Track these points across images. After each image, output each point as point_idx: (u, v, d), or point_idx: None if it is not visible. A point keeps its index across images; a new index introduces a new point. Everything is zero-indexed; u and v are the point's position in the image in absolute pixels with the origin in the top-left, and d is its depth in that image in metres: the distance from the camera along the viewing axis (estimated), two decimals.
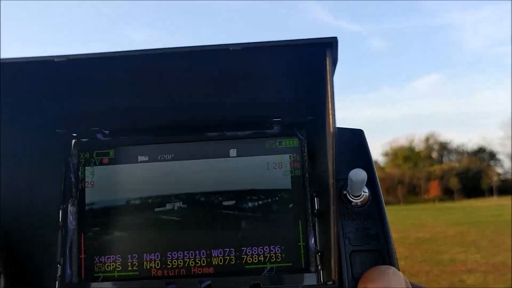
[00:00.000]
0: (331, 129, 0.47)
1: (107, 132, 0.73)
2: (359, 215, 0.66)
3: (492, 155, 46.73)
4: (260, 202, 0.69)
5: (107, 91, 0.60)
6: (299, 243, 0.68)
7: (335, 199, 0.50)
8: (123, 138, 0.73)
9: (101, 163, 0.72)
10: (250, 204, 0.69)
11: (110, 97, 0.62)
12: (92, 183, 0.72)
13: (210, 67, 0.54)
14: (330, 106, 0.47)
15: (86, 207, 0.71)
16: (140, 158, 0.72)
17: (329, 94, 0.47)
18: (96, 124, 0.72)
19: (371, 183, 0.66)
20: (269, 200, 0.69)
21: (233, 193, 0.70)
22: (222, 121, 0.71)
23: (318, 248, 0.67)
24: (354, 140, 0.71)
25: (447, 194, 40.22)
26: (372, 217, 0.66)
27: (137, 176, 0.71)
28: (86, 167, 0.72)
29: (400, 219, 14.21)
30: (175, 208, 0.70)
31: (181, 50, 0.49)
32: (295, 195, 0.70)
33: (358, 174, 0.61)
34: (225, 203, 0.70)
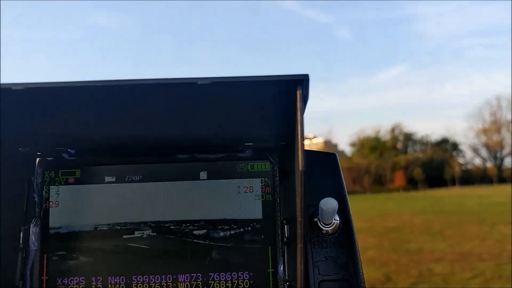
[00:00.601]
0: (300, 168, 0.45)
1: (72, 151, 0.70)
2: (329, 243, 0.65)
3: (455, 146, 47.88)
4: (232, 232, 0.68)
5: (72, 113, 0.58)
6: (268, 270, 0.67)
7: (302, 244, 0.48)
8: (90, 157, 0.71)
9: (66, 183, 0.70)
10: (221, 234, 0.68)
11: (76, 118, 0.60)
12: (56, 203, 0.69)
13: (180, 97, 0.53)
14: (299, 145, 0.46)
15: (51, 229, 0.68)
16: (107, 178, 0.70)
17: (299, 132, 0.46)
18: (62, 144, 0.69)
19: (342, 210, 0.66)
20: (241, 230, 0.68)
21: (204, 222, 0.68)
22: (193, 143, 0.70)
23: (287, 277, 0.66)
24: (327, 164, 0.70)
25: (411, 184, 41.06)
26: (342, 245, 0.65)
27: (104, 197, 0.69)
28: (51, 186, 0.70)
29: (367, 208, 14.42)
30: (144, 235, 0.68)
31: (150, 82, 0.47)
32: (266, 223, 0.69)
33: (329, 204, 0.60)
34: (196, 232, 0.68)
